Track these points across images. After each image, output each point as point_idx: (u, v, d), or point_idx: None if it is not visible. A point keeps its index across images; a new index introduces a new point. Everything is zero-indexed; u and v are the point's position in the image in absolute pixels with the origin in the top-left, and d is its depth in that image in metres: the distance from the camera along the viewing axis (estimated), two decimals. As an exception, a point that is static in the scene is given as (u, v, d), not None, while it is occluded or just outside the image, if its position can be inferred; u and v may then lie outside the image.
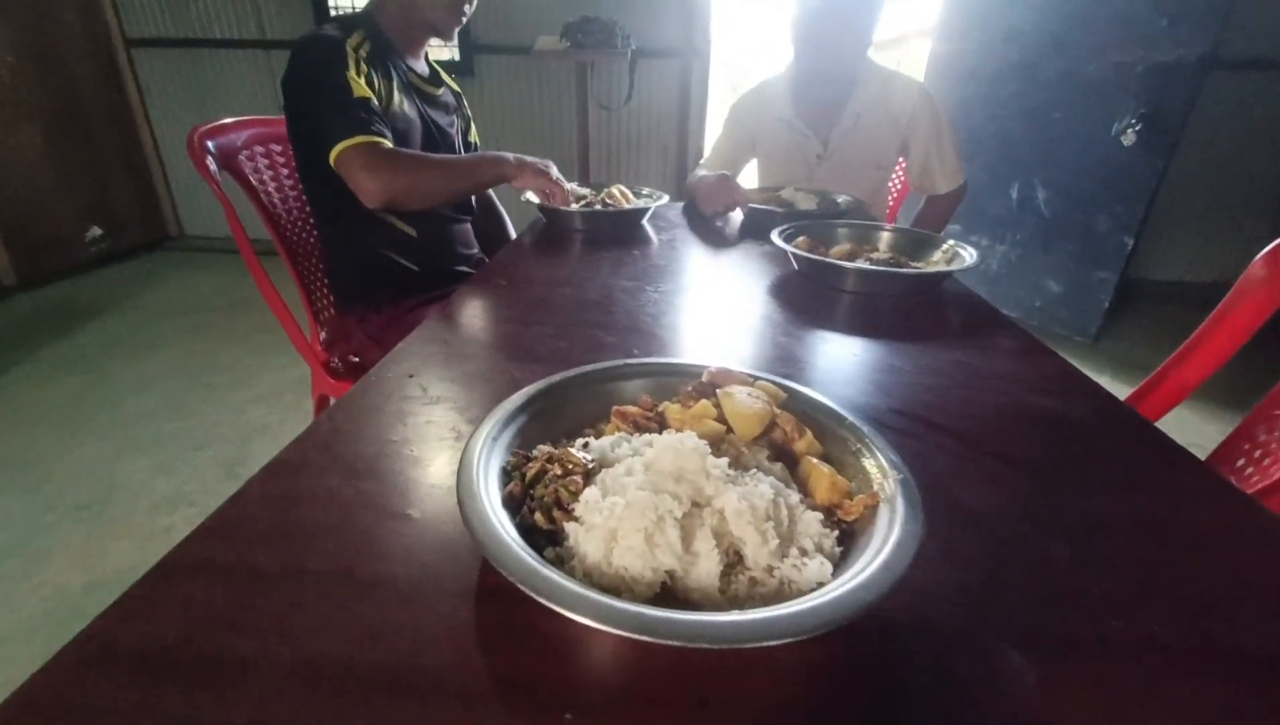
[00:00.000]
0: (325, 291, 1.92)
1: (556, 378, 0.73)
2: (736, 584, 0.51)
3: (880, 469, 0.60)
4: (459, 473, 0.55)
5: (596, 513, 0.52)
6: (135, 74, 4.61)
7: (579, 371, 0.75)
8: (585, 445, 0.64)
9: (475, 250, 2.01)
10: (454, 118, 1.91)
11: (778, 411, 0.66)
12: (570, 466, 0.58)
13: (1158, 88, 2.88)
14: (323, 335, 1.89)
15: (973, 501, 0.69)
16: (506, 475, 0.60)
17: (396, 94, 1.60)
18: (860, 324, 1.24)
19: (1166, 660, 0.51)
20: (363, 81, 1.46)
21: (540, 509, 0.55)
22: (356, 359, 1.76)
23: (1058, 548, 0.63)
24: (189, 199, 5.05)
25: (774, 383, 0.72)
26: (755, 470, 0.60)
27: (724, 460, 0.57)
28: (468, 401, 0.87)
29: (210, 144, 1.55)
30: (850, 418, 0.67)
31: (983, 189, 3.66)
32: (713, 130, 4.45)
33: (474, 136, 2.10)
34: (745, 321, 1.22)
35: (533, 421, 0.67)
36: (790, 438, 0.65)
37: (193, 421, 2.77)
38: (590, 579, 0.49)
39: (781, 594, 0.49)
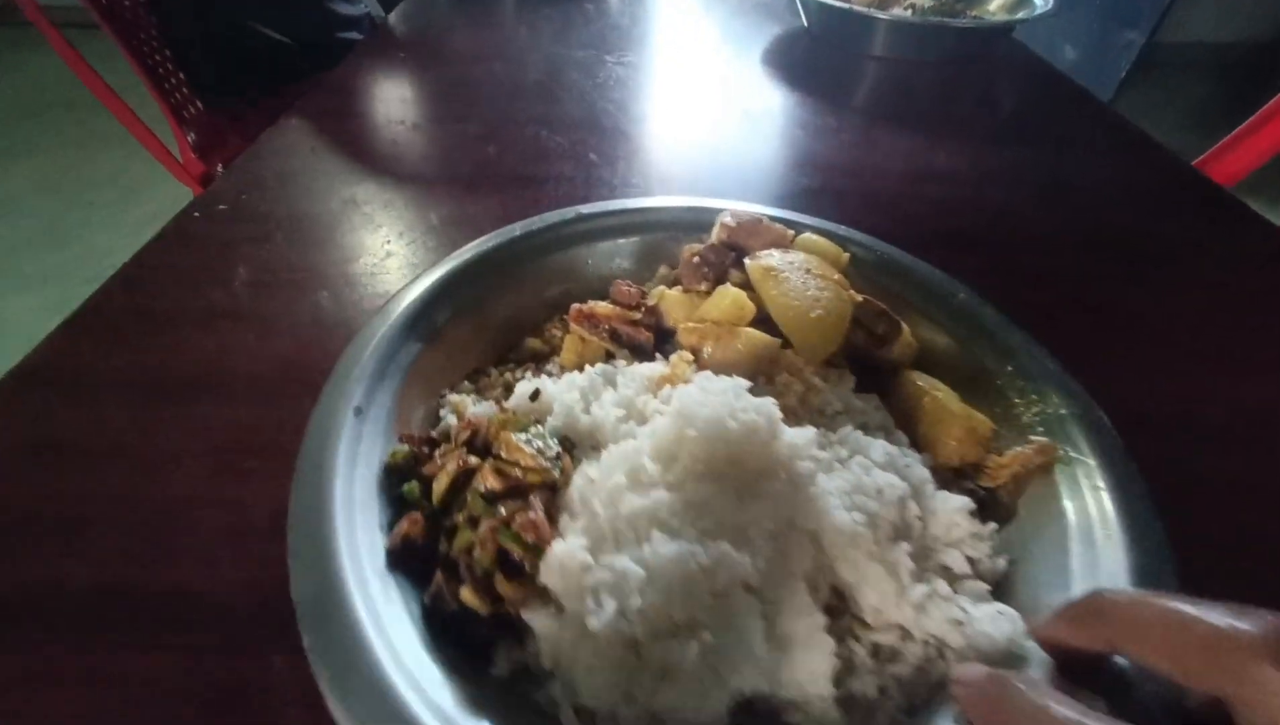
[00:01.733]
0: (178, 80, 1.45)
1: (469, 253, 0.45)
2: (858, 679, 0.28)
3: (1032, 391, 0.37)
4: (293, 498, 0.29)
5: (586, 594, 0.27)
6: None
7: (505, 237, 0.46)
8: (534, 395, 0.37)
9: (361, 5, 1.50)
10: None
11: (855, 297, 0.40)
12: (516, 474, 0.31)
13: None
14: (191, 138, 1.47)
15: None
16: (395, 476, 0.33)
17: None
18: (894, 106, 0.93)
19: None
20: None
21: (470, 578, 0.28)
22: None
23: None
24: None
25: (826, 233, 0.46)
26: (849, 425, 0.36)
27: (806, 431, 0.32)
28: (339, 253, 0.59)
29: None
30: (964, 290, 0.43)
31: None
32: None
33: None
34: (740, 107, 0.90)
35: (434, 344, 0.40)
36: (874, 339, 0.40)
37: (79, 249, 2.37)
38: None
39: (927, 671, 0.28)
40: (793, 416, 0.35)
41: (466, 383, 0.42)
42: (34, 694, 0.30)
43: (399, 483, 0.33)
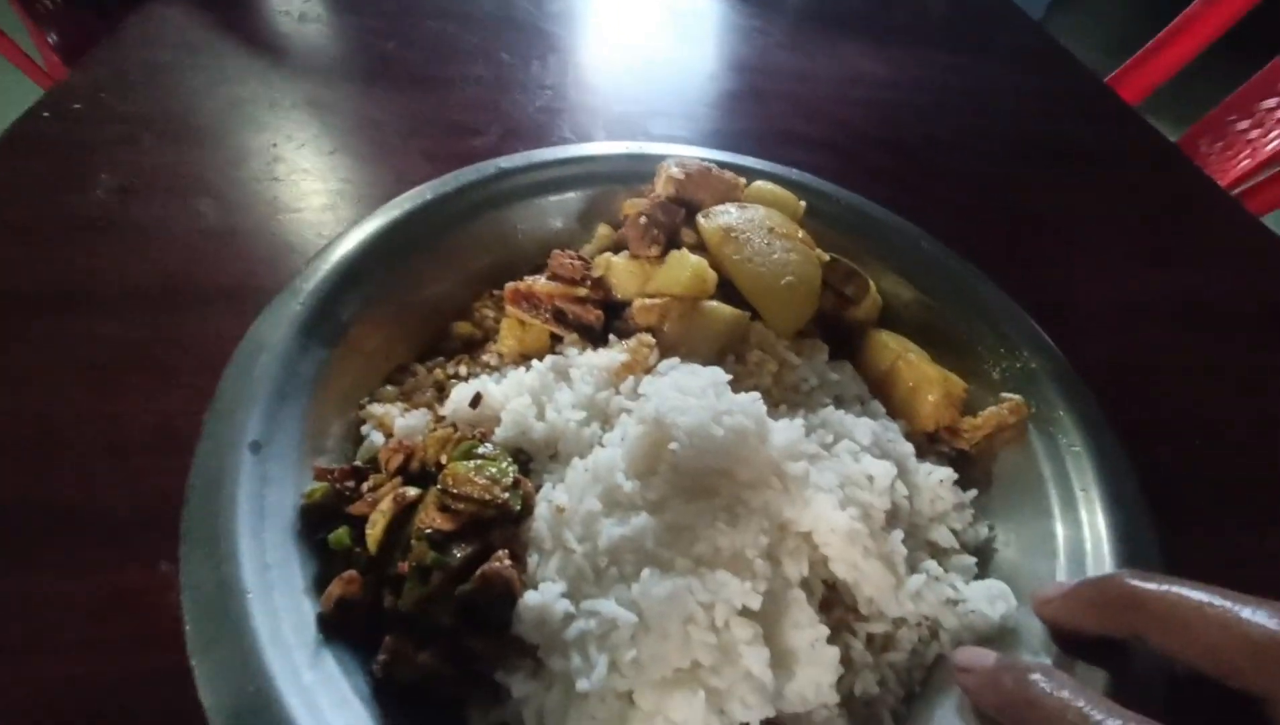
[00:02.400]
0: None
1: (374, 225, 0.36)
2: (858, 677, 0.27)
3: (1001, 346, 0.37)
4: (184, 575, 0.23)
5: (571, 650, 0.24)
6: None
7: (416, 202, 0.38)
8: (475, 401, 0.32)
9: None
10: None
11: (822, 256, 0.38)
12: (467, 510, 0.26)
13: None
14: (53, 39, 1.29)
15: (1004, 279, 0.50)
16: (313, 520, 0.27)
17: None
18: (824, 11, 0.90)
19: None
20: None
21: (430, 639, 0.25)
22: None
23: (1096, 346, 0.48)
24: None
25: (778, 179, 0.43)
26: (828, 403, 0.34)
27: (794, 426, 0.29)
28: (221, 156, 0.53)
29: None
30: (926, 238, 0.42)
31: None
32: None
33: None
34: (665, 7, 0.85)
35: (341, 345, 0.32)
36: (842, 300, 0.38)
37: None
38: None
39: (921, 654, 0.28)
40: (768, 397, 0.33)
41: (388, 387, 0.35)
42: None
43: (319, 528, 0.27)
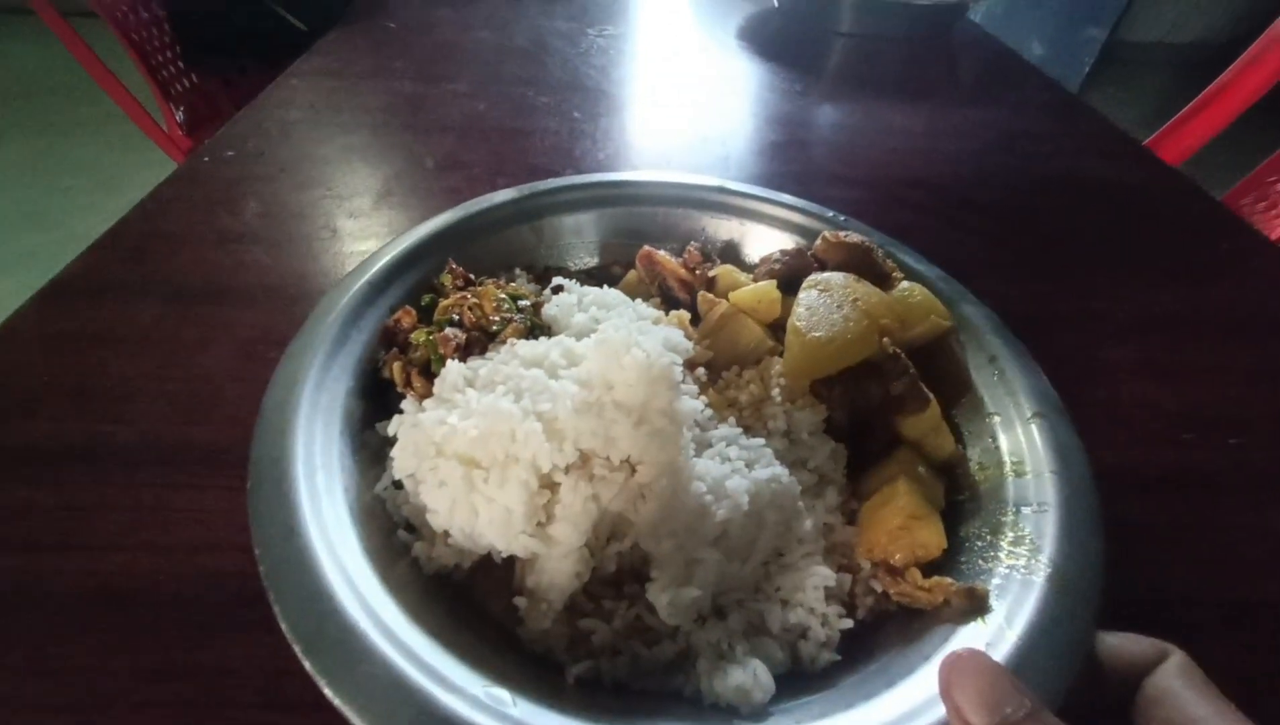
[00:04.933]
0: (170, 55, 1.47)
1: (441, 220, 0.47)
2: (614, 621, 0.29)
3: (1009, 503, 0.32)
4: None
5: (451, 411, 0.32)
6: None
7: (484, 203, 0.49)
8: (557, 288, 0.42)
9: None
10: None
11: (887, 346, 0.36)
12: (483, 315, 0.37)
13: None
14: (180, 115, 1.49)
15: (1027, 307, 0.53)
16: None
17: None
18: (858, 75, 0.99)
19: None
20: None
21: (411, 361, 0.36)
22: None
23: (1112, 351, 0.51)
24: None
25: (931, 286, 0.42)
26: (763, 442, 0.35)
27: (695, 404, 0.33)
28: (350, 188, 0.63)
29: None
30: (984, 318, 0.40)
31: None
32: None
33: None
34: (715, 73, 0.96)
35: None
36: (891, 401, 0.35)
37: (58, 234, 2.36)
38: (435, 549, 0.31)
39: (665, 666, 0.28)
40: (731, 410, 0.36)
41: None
42: (88, 518, 0.35)
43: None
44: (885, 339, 0.36)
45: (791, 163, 0.75)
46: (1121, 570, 0.29)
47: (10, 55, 3.48)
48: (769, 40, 1.07)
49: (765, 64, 0.99)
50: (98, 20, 1.21)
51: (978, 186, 0.72)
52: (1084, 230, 0.66)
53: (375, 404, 0.36)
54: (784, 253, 0.43)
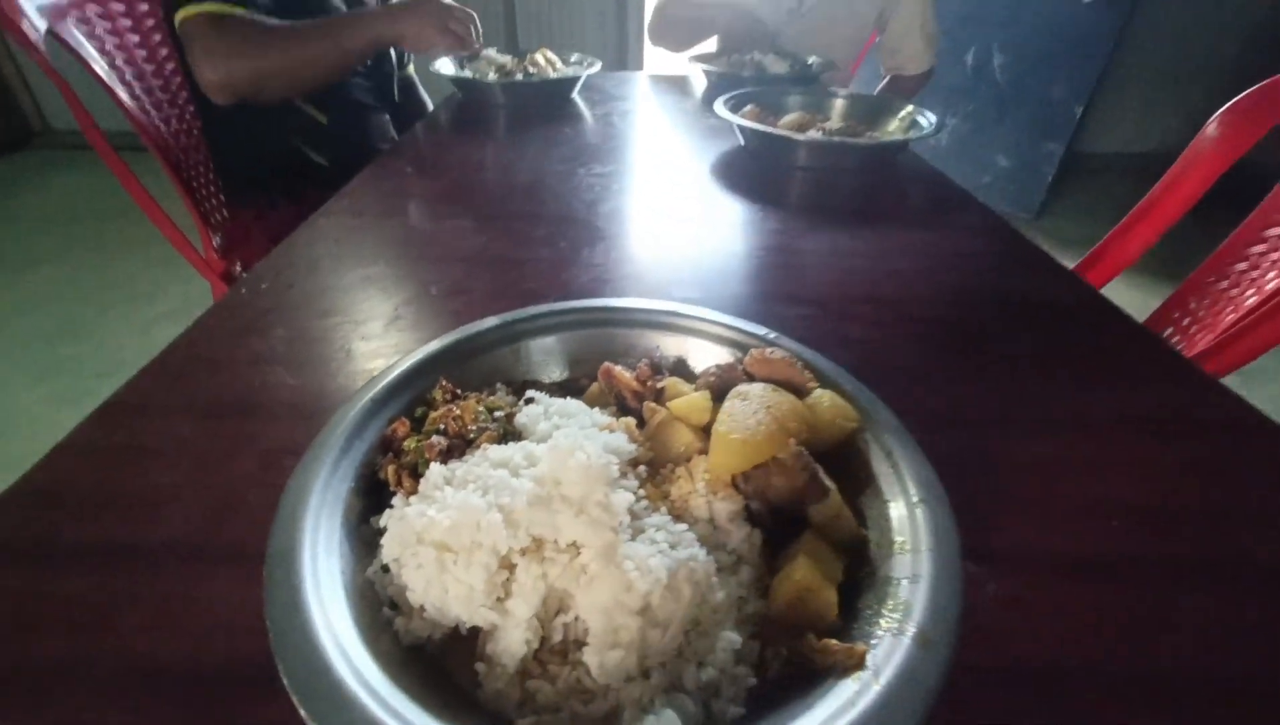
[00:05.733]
0: (213, 190, 1.67)
1: (434, 345, 0.55)
2: (557, 683, 0.35)
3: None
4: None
5: (430, 505, 0.39)
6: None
7: (469, 330, 0.57)
8: (529, 400, 0.50)
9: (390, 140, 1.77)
10: None
11: (793, 445, 0.42)
12: (463, 424, 0.45)
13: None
14: (217, 241, 1.66)
15: (945, 406, 0.62)
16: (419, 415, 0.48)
17: None
18: (815, 204, 1.13)
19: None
20: None
21: (402, 464, 0.44)
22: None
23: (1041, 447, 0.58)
24: (51, 86, 4.35)
25: (847, 395, 0.49)
26: (687, 527, 0.40)
27: (627, 497, 0.38)
28: (364, 313, 0.74)
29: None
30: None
31: (939, 56, 3.50)
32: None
33: None
34: (691, 205, 1.09)
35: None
36: (797, 491, 0.41)
37: (91, 344, 2.51)
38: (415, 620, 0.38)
39: (598, 721, 0.34)
40: (665, 501, 0.42)
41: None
42: (123, 607, 0.41)
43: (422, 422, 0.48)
44: (792, 440, 0.42)
45: (750, 283, 0.86)
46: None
47: (63, 185, 3.83)
48: (737, 175, 1.22)
49: (734, 195, 1.13)
50: (144, 152, 1.39)
51: (919, 302, 0.81)
52: (1017, 341, 0.74)
53: (372, 501, 0.44)
54: (719, 367, 0.51)
